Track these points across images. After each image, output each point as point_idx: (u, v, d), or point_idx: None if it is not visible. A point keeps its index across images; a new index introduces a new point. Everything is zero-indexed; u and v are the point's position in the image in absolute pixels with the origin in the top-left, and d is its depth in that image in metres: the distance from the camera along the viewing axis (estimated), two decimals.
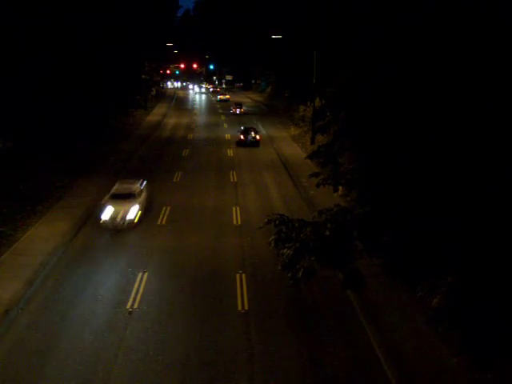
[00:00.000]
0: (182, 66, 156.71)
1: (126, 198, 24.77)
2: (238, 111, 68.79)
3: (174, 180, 33.52)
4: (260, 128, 56.13)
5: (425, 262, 12.78)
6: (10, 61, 31.77)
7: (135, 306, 17.10)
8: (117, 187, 26.15)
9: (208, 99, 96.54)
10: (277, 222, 12.28)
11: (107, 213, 23.89)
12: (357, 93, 16.51)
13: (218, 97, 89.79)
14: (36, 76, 33.46)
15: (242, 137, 46.56)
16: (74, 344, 14.93)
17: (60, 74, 36.54)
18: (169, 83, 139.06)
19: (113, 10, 46.19)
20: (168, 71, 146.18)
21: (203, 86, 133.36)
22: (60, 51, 36.04)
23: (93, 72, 41.67)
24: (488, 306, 12.25)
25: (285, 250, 11.46)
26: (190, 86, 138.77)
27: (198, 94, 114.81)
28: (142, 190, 26.39)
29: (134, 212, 24.20)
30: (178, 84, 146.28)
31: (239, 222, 25.34)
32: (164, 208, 27.17)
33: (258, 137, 46.86)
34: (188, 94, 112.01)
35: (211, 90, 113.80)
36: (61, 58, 36.19)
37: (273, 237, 12.14)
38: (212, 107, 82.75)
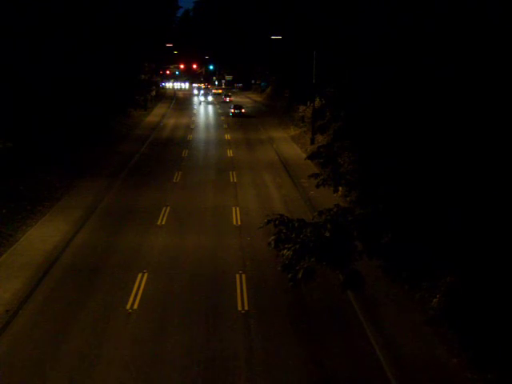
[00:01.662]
0: (182, 66, 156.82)
1: None
2: (227, 99, 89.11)
3: (174, 180, 33.52)
4: (259, 128, 56.41)
5: (424, 263, 12.81)
6: (9, 61, 31.75)
7: (135, 306, 17.08)
8: None
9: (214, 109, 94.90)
10: (276, 223, 12.27)
11: None
12: (357, 93, 16.53)
13: (212, 91, 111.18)
14: (35, 76, 33.43)
15: (232, 110, 68.76)
16: (72, 345, 14.92)
17: (60, 74, 36.50)
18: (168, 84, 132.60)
19: (113, 10, 46.17)
20: (168, 72, 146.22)
21: (211, 92, 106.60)
22: (60, 51, 36.00)
23: (92, 72, 41.64)
24: (487, 305, 12.26)
25: (285, 251, 11.45)
26: (195, 92, 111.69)
27: (203, 103, 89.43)
28: None
29: None
30: (184, 85, 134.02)
31: (239, 223, 25.33)
32: (164, 208, 27.16)
33: (243, 110, 68.87)
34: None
35: (202, 86, 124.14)
36: (61, 58, 36.15)
37: (273, 237, 12.13)
38: (211, 104, 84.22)
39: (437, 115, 13.26)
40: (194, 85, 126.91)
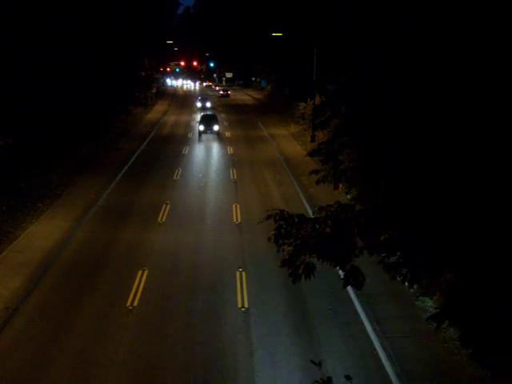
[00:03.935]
0: (183, 63, 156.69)
1: None
2: (216, 88, 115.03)
3: (174, 178, 33.50)
4: (260, 126, 56.36)
5: (425, 260, 12.75)
6: (11, 60, 31.71)
7: (135, 303, 17.08)
8: None
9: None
10: (277, 218, 12.20)
11: None
12: (357, 91, 16.45)
13: (204, 84, 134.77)
14: (37, 73, 33.39)
15: (221, 93, 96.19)
16: (72, 342, 14.91)
17: (60, 72, 36.46)
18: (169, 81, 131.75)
19: (113, 8, 46.10)
20: (168, 69, 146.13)
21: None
22: (59, 49, 35.95)
23: (92, 69, 41.59)
24: (488, 303, 12.22)
25: (285, 247, 11.40)
26: (198, 104, 74.47)
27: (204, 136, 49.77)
28: None
29: None
30: (195, 84, 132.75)
31: (239, 220, 25.30)
32: (164, 206, 27.13)
33: (229, 92, 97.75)
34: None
35: (197, 83, 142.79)
36: (60, 57, 36.11)
37: (273, 232, 12.08)
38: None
39: (439, 112, 13.19)
40: (185, 81, 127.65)
